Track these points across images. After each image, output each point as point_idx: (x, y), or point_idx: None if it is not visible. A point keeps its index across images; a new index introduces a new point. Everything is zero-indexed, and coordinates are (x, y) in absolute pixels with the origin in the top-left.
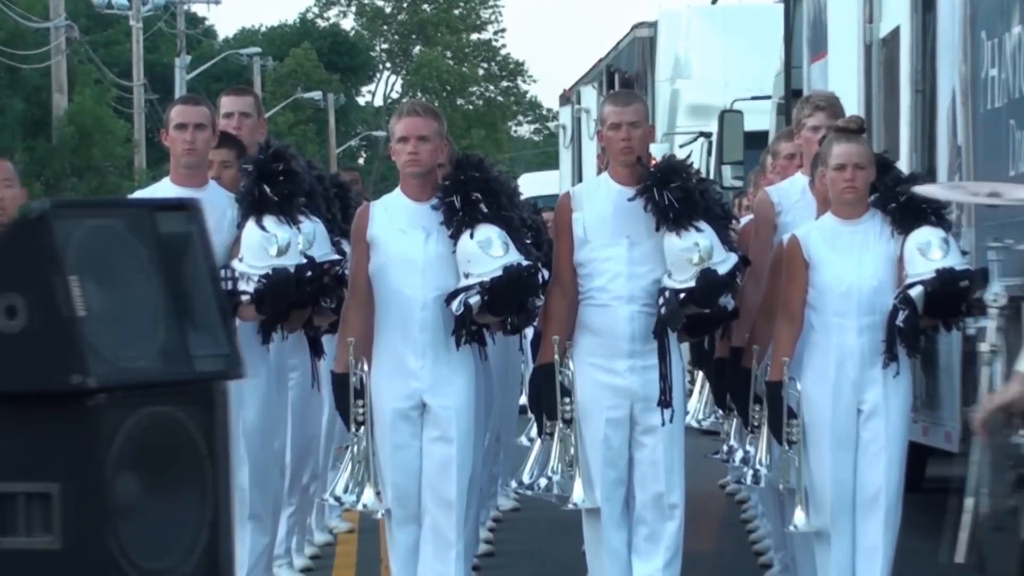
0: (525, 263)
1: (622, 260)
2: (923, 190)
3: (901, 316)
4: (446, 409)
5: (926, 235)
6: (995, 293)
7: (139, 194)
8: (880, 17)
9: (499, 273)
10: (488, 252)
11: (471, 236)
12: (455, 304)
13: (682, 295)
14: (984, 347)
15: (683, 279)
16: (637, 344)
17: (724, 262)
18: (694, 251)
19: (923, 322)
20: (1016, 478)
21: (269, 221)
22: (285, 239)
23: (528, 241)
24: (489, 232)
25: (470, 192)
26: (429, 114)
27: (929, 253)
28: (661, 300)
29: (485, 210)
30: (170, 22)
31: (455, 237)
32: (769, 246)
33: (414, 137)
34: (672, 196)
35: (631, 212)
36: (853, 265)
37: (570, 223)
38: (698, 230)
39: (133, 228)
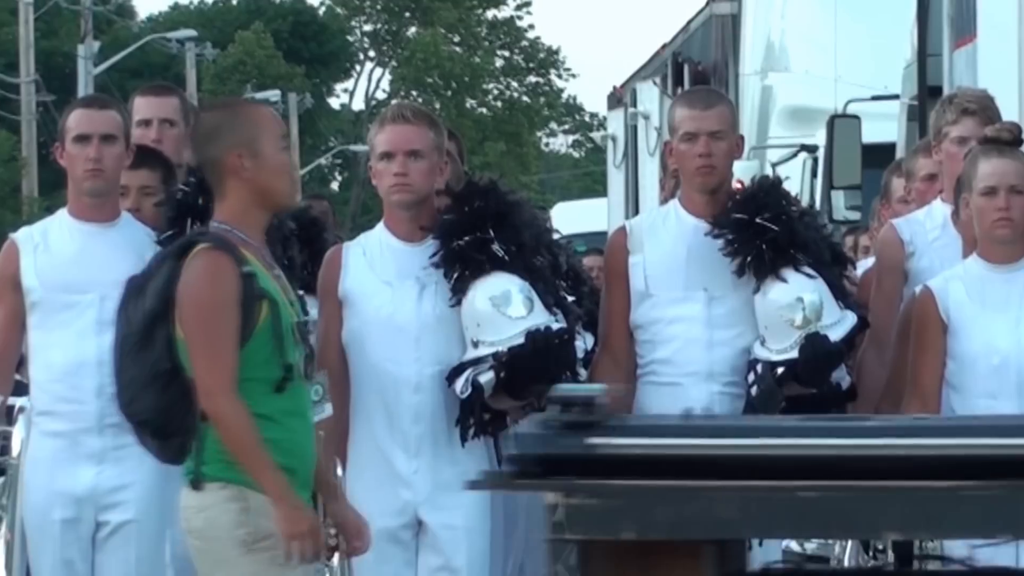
0: (556, 326)
1: (698, 321)
2: None
3: None
4: (450, 529)
5: None
6: None
7: (27, 231)
8: None
9: (520, 340)
10: (505, 312)
11: (482, 290)
12: (460, 384)
13: (780, 370)
14: None
15: (782, 348)
16: None
17: (838, 325)
18: (797, 309)
19: None
20: None
21: None
22: None
23: (563, 295)
24: (506, 284)
25: (480, 228)
26: (423, 121)
27: None
28: (752, 377)
29: (501, 253)
30: None
31: (460, 291)
32: (896, 301)
33: (402, 152)
34: (767, 231)
35: (710, 255)
36: (1009, 328)
37: (626, 270)
38: (808, 278)
39: None
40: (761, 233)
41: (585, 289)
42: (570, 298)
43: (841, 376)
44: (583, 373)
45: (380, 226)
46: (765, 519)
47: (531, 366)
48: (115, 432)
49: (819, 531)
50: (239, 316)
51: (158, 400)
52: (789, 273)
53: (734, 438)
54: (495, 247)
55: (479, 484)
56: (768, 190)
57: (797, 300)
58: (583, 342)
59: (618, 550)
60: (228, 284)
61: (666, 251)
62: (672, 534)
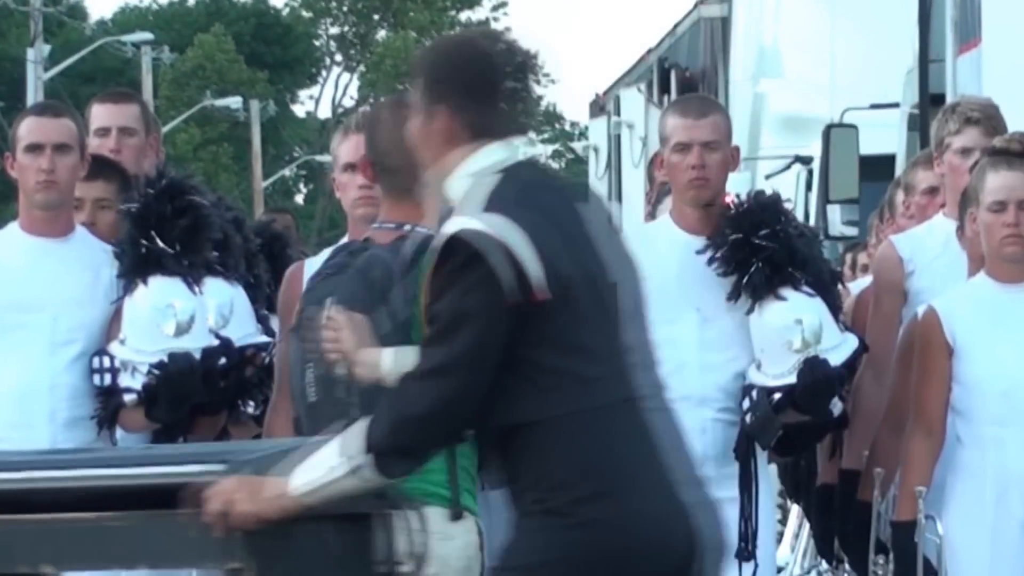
0: None
1: (690, 344)
2: None
3: None
4: None
5: None
6: None
7: None
8: None
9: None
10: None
11: None
12: None
13: (777, 396)
14: None
15: (779, 372)
16: (710, 467)
17: (838, 348)
18: (795, 331)
19: None
20: None
21: (162, 283)
22: (187, 312)
23: None
24: None
25: None
26: None
27: None
28: (747, 403)
29: None
30: None
31: None
32: (896, 323)
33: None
34: (764, 250)
35: (704, 274)
36: (1018, 351)
37: None
38: (808, 298)
39: None
40: (757, 252)
41: None
42: None
43: (834, 402)
44: None
45: (344, 241)
46: None
47: None
48: None
49: None
50: None
51: None
52: (788, 293)
53: None
54: None
55: None
56: (765, 206)
57: (796, 322)
58: None
59: None
60: None
61: (656, 269)
62: None
